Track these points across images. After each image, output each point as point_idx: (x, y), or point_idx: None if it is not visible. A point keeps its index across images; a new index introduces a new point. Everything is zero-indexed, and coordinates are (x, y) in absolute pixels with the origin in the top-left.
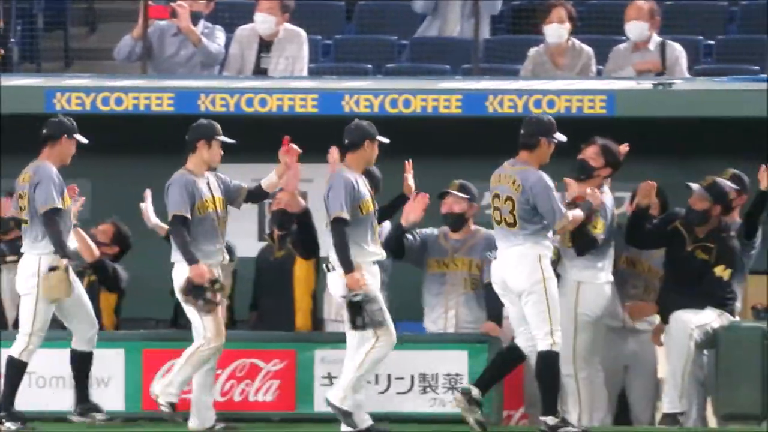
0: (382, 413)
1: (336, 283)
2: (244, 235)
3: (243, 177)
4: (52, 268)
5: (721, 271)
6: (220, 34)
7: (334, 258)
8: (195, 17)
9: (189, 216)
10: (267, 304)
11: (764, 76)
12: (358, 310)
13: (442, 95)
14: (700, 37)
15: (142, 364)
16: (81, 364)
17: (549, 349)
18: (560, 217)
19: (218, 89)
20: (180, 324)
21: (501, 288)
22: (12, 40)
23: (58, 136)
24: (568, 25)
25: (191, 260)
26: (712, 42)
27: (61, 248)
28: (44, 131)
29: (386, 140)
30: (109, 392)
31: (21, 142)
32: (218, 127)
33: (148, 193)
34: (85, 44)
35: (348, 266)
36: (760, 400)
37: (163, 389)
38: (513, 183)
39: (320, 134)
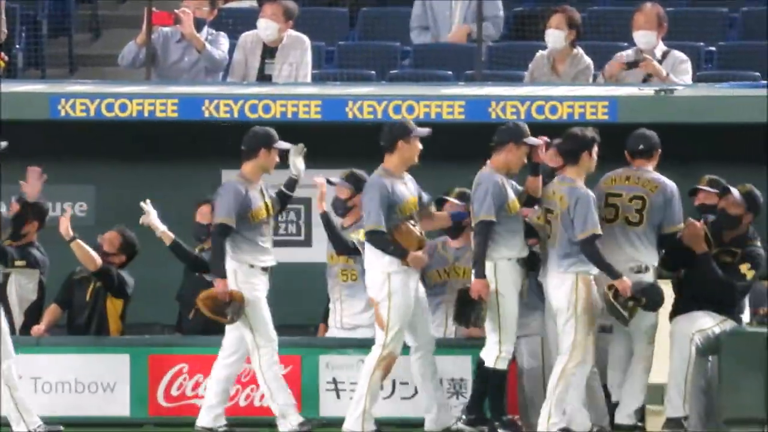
0: (387, 418)
1: None
2: None
3: None
4: None
5: (746, 270)
6: (224, 41)
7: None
8: (199, 24)
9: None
10: None
11: (765, 82)
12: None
13: (445, 101)
14: (701, 44)
15: (147, 370)
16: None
17: None
18: None
19: (222, 95)
20: (184, 328)
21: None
22: (16, 46)
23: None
24: (567, 32)
25: None
26: (713, 48)
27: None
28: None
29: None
30: (115, 398)
31: (24, 148)
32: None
33: (148, 203)
34: (89, 50)
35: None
36: (764, 405)
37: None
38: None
39: (323, 140)
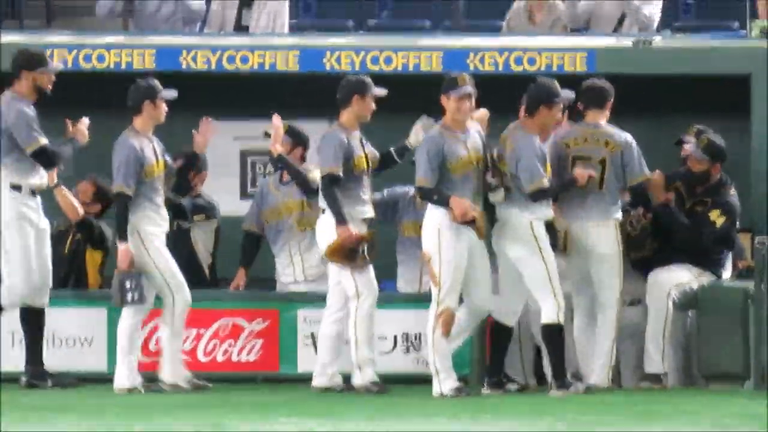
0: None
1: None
2: (226, 192)
3: (224, 134)
4: None
5: (716, 217)
6: None
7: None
8: None
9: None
10: None
11: (743, 32)
12: None
13: (423, 52)
14: None
15: None
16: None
17: None
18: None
19: (200, 46)
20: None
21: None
22: None
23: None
24: None
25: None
26: None
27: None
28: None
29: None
30: (93, 352)
31: None
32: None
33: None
34: (66, 1)
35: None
36: (742, 360)
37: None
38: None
39: (302, 91)
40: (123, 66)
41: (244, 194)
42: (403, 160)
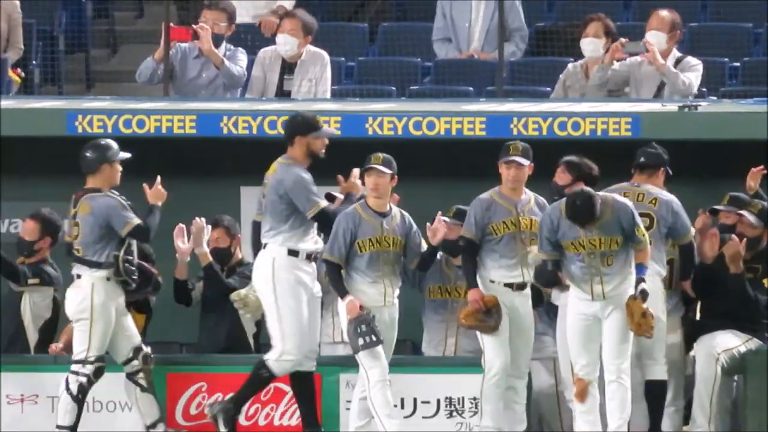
0: None
1: None
2: None
3: None
4: None
5: None
6: (242, 56)
7: None
8: (217, 39)
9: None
10: None
11: None
12: None
13: (466, 117)
14: (726, 59)
15: (166, 388)
16: None
17: None
18: None
19: (241, 111)
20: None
21: None
22: (33, 62)
23: None
24: (604, 40)
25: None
26: (737, 64)
27: None
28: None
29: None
30: (133, 416)
31: (43, 164)
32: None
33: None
34: (106, 66)
35: None
36: None
37: None
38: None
39: (343, 156)
40: (164, 131)
41: None
42: None
